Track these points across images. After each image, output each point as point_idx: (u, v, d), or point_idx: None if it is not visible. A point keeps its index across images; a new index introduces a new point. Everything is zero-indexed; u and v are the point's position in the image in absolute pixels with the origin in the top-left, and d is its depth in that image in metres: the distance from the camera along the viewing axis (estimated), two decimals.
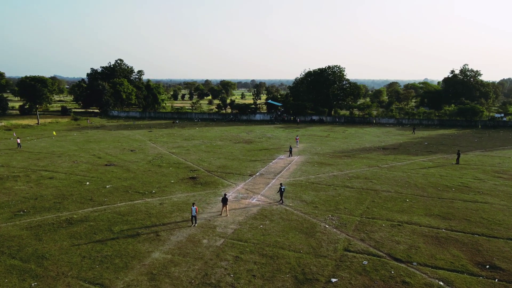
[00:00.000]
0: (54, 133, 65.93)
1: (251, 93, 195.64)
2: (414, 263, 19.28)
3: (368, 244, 21.55)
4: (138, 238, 22.05)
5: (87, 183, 33.80)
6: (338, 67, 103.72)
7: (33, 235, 22.41)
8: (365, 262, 19.33)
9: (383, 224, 24.48)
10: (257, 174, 37.87)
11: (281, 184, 29.52)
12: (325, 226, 24.07)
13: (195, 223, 23.93)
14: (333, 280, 17.63)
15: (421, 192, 31.63)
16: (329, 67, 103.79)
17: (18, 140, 53.01)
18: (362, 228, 23.80)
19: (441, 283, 17.42)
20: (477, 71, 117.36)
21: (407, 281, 17.56)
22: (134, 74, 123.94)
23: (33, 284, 17.11)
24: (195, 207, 23.84)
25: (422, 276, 18.01)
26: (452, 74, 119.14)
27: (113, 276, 17.81)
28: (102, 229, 23.42)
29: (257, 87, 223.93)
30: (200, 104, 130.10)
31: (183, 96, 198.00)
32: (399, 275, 18.08)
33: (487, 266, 19.03)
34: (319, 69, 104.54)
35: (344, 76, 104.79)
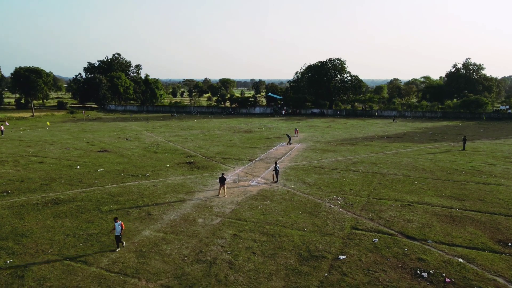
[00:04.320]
0: (48, 123, 64.17)
1: (251, 92, 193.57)
2: (429, 241, 17.57)
3: (377, 222, 19.84)
4: (128, 217, 20.33)
5: (78, 167, 32.07)
6: (339, 60, 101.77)
7: (15, 214, 20.69)
8: (376, 240, 17.63)
9: (392, 204, 22.78)
10: (257, 159, 36.15)
11: (276, 163, 28.38)
12: (330, 206, 22.37)
13: (123, 245, 16.56)
14: (341, 257, 15.93)
15: (430, 175, 29.91)
16: (330, 59, 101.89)
17: (2, 127, 50.95)
18: (370, 208, 22.09)
19: (461, 260, 15.70)
20: (480, 64, 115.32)
21: (423, 258, 15.85)
22: (132, 68, 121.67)
23: (8, 261, 15.41)
24: (119, 222, 16.34)
25: (439, 254, 16.30)
26: (454, 68, 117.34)
27: (98, 254, 16.11)
28: (90, 208, 21.71)
29: (256, 85, 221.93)
30: (199, 99, 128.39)
31: (182, 94, 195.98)
32: (414, 252, 16.37)
33: (510, 244, 17.33)
34: (319, 62, 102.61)
35: (346, 69, 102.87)
